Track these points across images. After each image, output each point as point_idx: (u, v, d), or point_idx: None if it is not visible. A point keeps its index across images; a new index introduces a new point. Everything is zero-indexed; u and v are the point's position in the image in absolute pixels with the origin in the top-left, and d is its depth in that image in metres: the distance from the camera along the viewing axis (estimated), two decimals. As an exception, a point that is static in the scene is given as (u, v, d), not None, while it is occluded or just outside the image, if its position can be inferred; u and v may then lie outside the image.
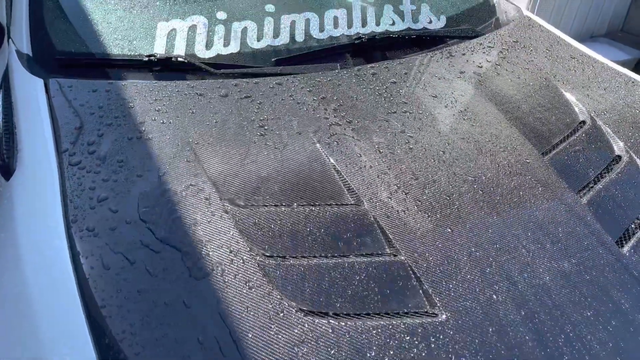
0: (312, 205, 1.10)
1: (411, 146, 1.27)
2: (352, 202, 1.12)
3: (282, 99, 1.39)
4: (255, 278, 0.95)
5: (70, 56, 1.45)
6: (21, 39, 1.51)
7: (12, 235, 1.05)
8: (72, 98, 1.31)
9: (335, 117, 1.34)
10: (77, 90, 1.34)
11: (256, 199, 1.10)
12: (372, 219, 1.08)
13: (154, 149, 1.19)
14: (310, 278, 0.96)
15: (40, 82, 1.37)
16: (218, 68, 1.47)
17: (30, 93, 1.35)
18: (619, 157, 1.34)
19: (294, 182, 1.15)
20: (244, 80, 1.45)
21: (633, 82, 1.64)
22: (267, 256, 0.99)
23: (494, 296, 0.97)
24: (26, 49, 1.48)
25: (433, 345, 0.89)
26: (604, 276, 1.03)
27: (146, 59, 1.44)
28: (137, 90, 1.36)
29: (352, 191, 1.14)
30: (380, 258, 1.02)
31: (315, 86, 1.45)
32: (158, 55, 1.45)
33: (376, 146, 1.26)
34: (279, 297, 0.93)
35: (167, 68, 1.46)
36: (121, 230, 1.01)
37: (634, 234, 1.14)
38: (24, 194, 1.13)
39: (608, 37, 4.05)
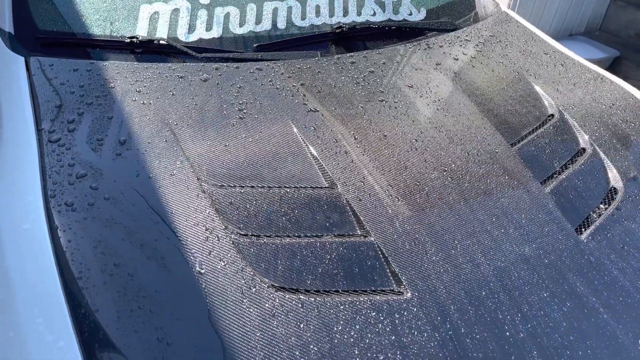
0: (288, 187, 1.14)
1: (385, 133, 1.31)
2: (327, 185, 1.16)
3: (262, 84, 1.42)
4: (229, 255, 0.99)
5: (52, 35, 1.46)
6: (3, 16, 1.50)
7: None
8: (52, 77, 1.32)
9: (313, 103, 1.37)
10: (58, 69, 1.35)
11: (233, 180, 1.13)
12: (345, 201, 1.13)
13: (133, 129, 1.21)
14: (283, 256, 1.00)
15: (21, 59, 1.37)
16: (199, 52, 1.49)
17: (11, 70, 1.36)
18: (584, 149, 1.40)
19: (271, 165, 1.18)
20: (225, 64, 1.47)
21: (601, 79, 1.70)
22: (242, 234, 1.03)
23: (457, 277, 1.02)
24: (8, 26, 1.48)
25: (397, 321, 0.93)
26: (561, 260, 1.09)
27: (128, 40, 1.46)
28: (118, 71, 1.38)
29: (327, 175, 1.18)
30: (351, 239, 1.06)
31: (295, 72, 1.48)
32: (140, 38, 1.47)
33: (352, 132, 1.30)
34: (251, 273, 0.96)
35: (148, 50, 1.48)
36: (99, 205, 1.03)
37: (592, 222, 1.20)
38: (3, 169, 1.14)
39: (586, 36, 4.14)
